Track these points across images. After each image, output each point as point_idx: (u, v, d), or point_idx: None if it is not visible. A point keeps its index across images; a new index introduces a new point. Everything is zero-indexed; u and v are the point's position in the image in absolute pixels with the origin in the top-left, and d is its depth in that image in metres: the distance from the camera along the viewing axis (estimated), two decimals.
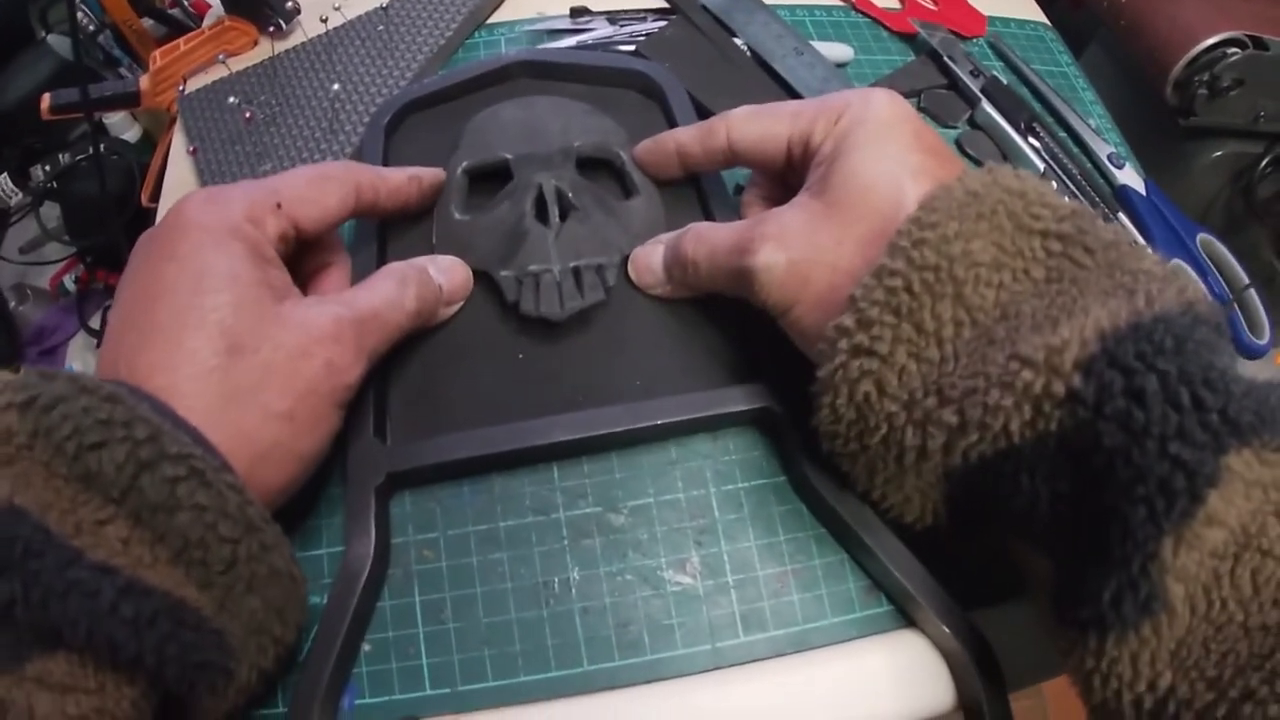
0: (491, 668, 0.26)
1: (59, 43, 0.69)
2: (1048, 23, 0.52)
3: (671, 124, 0.35)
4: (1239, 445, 0.17)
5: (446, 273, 0.29)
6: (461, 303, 0.30)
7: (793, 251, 0.24)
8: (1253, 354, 0.40)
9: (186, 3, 0.60)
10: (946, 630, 0.25)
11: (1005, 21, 0.50)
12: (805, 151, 0.27)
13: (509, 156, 0.32)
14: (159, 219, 0.38)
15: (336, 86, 0.37)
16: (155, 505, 0.19)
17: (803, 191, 0.26)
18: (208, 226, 0.23)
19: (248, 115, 0.37)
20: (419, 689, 0.25)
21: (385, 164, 0.34)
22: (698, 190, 0.33)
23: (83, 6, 0.67)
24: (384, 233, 0.32)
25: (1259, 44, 0.52)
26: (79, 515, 0.18)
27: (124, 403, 0.19)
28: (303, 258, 0.29)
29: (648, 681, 0.26)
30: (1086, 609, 0.18)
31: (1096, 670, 0.18)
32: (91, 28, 0.67)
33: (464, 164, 0.32)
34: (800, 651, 0.27)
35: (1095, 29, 0.64)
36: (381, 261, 0.31)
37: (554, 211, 0.30)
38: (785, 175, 0.29)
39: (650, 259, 0.30)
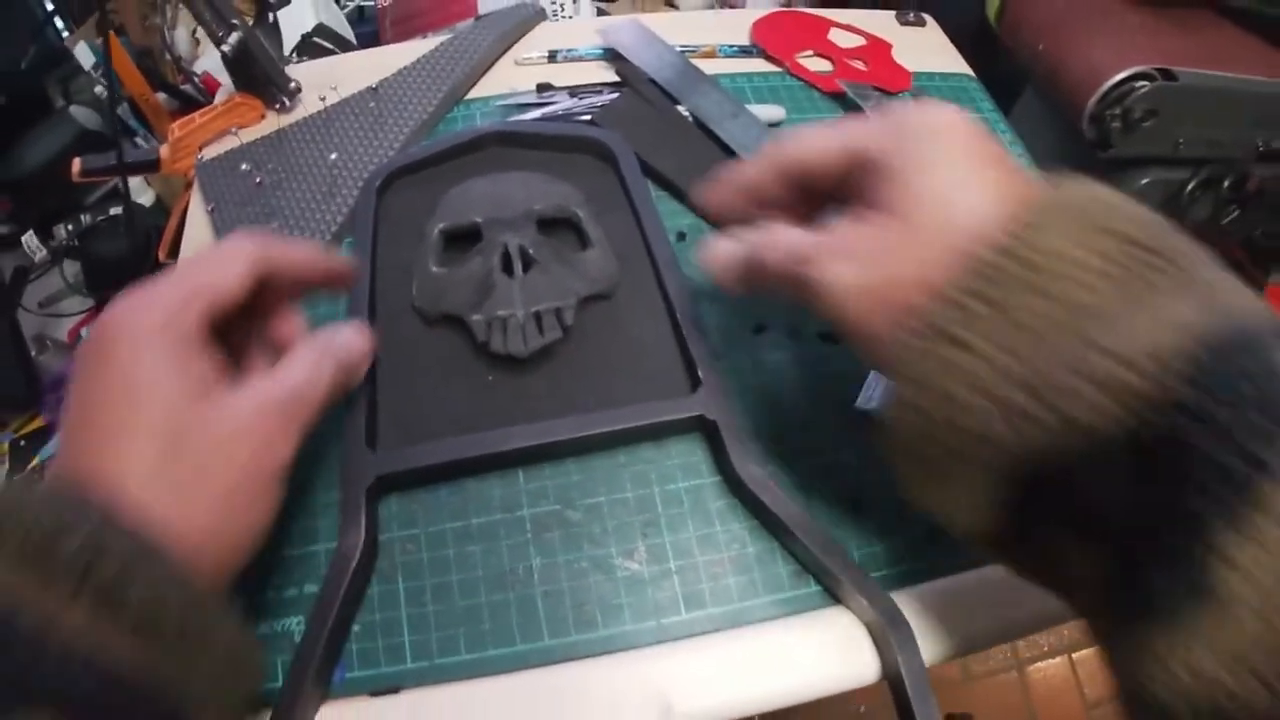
0: (465, 644, 0.30)
1: (80, 113, 0.76)
2: (971, 73, 0.56)
3: (623, 183, 0.41)
4: None
5: (349, 345, 0.30)
6: (366, 366, 0.32)
7: (864, 268, 0.24)
8: None
9: (197, 80, 0.67)
10: (867, 605, 0.29)
11: (931, 75, 0.55)
12: (859, 163, 0.26)
13: (479, 220, 0.37)
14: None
15: (334, 155, 0.42)
16: (111, 582, 0.21)
17: (867, 209, 0.25)
18: (133, 333, 0.25)
19: (258, 180, 0.43)
20: (401, 663, 0.29)
21: (376, 221, 0.40)
22: (643, 238, 0.39)
23: (101, 80, 0.74)
24: (374, 285, 0.37)
25: (1168, 75, 0.55)
26: (44, 603, 0.20)
27: (75, 505, 0.22)
28: (253, 320, 0.31)
29: (601, 654, 0.30)
30: (1142, 600, 0.19)
31: (1152, 661, 0.18)
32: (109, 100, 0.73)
33: (440, 226, 0.38)
34: (736, 627, 0.30)
35: (1030, 76, 0.69)
36: (372, 310, 0.36)
37: (518, 265, 0.36)
38: (834, 189, 0.28)
39: (728, 251, 0.30)
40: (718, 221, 0.32)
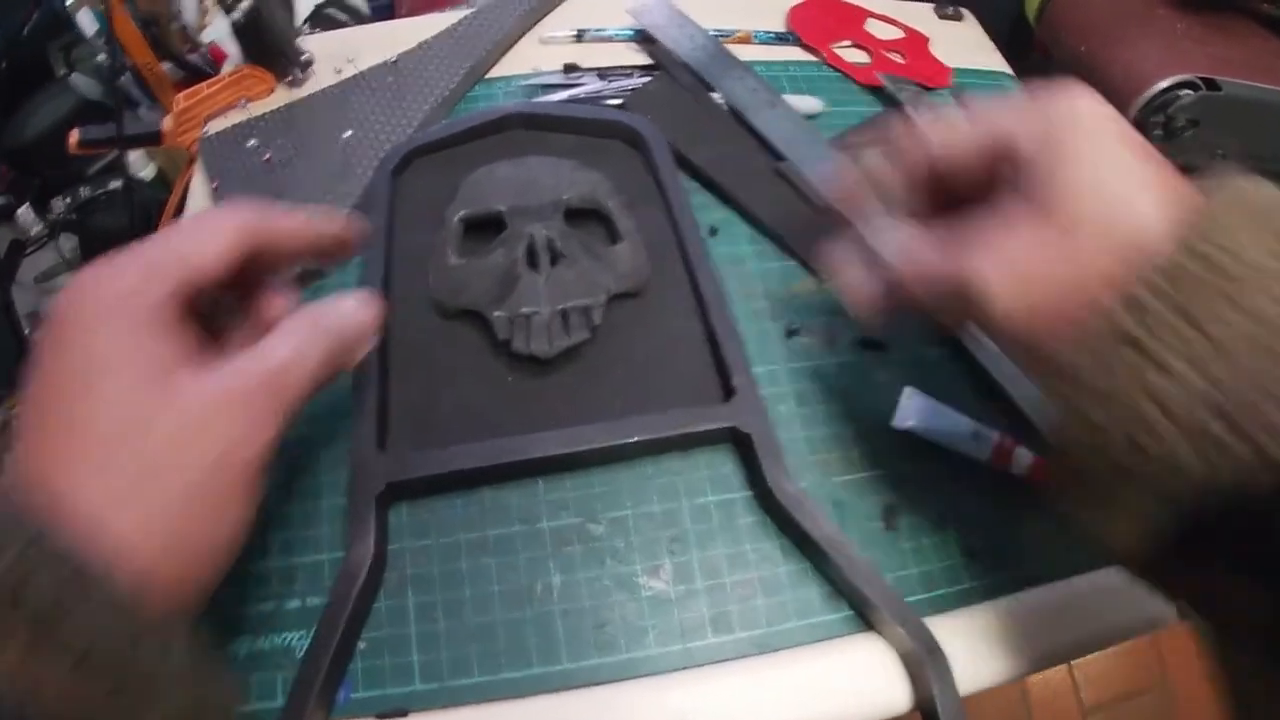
0: (477, 664, 0.28)
1: (81, 81, 0.73)
2: (1010, 72, 0.55)
3: (654, 172, 0.38)
4: None
5: (351, 314, 0.26)
6: (374, 342, 0.28)
7: (1035, 277, 0.22)
8: None
9: (204, 50, 0.64)
10: (903, 633, 0.27)
11: (969, 73, 0.53)
12: (1005, 155, 0.24)
13: (502, 208, 0.35)
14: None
15: (349, 133, 0.40)
16: (44, 613, 0.18)
17: (1020, 207, 0.23)
18: (91, 310, 0.22)
19: (267, 158, 0.40)
20: (409, 684, 0.27)
21: (392, 204, 0.37)
22: (675, 233, 0.36)
23: (104, 48, 0.72)
24: (388, 274, 0.35)
25: (1211, 85, 0.54)
26: None
27: (8, 521, 0.18)
28: (244, 302, 0.27)
29: (622, 679, 0.28)
30: None
31: None
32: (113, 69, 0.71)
33: (460, 213, 0.35)
34: (765, 653, 0.29)
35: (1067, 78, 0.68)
36: (385, 301, 0.34)
37: (544, 258, 0.33)
38: (969, 186, 0.26)
39: (863, 286, 0.27)
40: (837, 223, 0.29)
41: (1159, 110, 0.57)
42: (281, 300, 0.28)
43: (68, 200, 0.67)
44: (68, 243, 0.70)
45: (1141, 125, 0.58)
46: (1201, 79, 0.56)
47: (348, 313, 0.26)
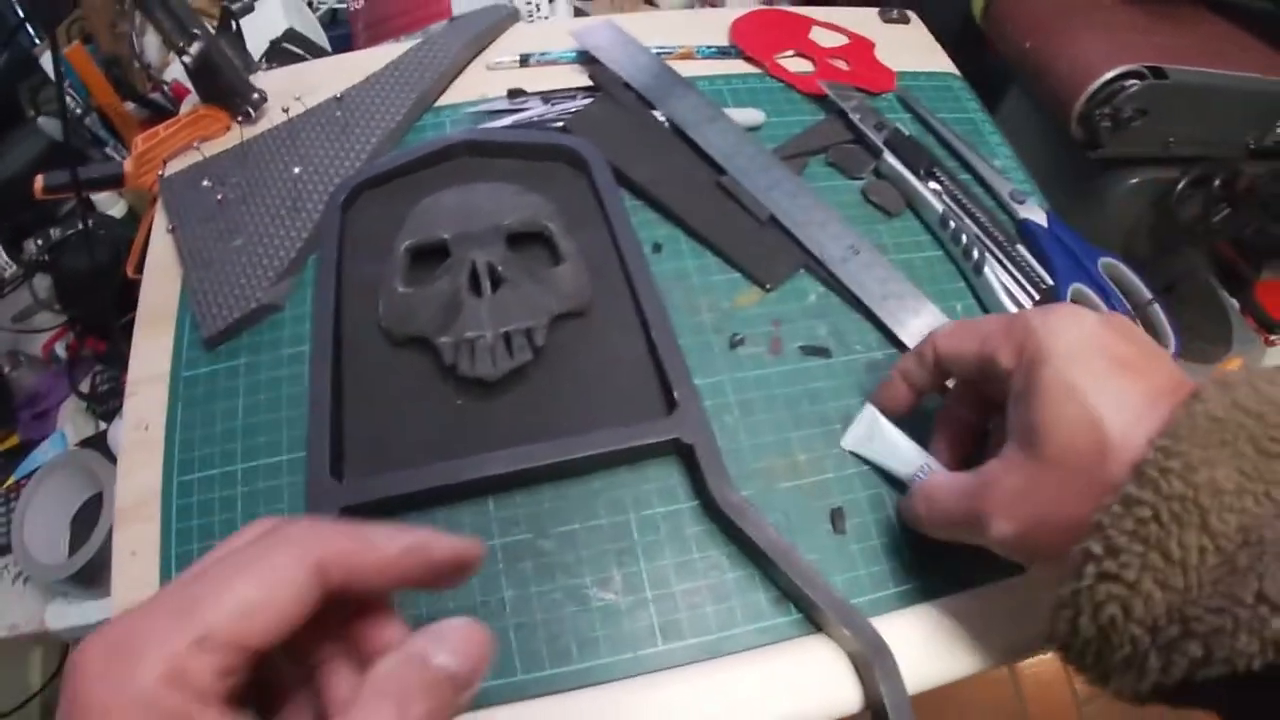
0: None
1: (49, 124, 0.74)
2: (956, 73, 0.56)
3: (595, 191, 0.39)
4: None
5: (458, 652, 0.20)
6: (481, 681, 0.21)
7: (1020, 522, 0.25)
8: None
9: (166, 88, 0.65)
10: (849, 634, 0.28)
11: (915, 75, 0.54)
12: (992, 372, 0.28)
13: (447, 236, 0.36)
14: (142, 295, 0.41)
15: (298, 169, 0.41)
16: None
17: (1011, 442, 0.26)
18: (109, 711, 0.16)
19: (219, 197, 0.41)
20: None
21: (342, 237, 0.38)
22: (617, 251, 0.37)
23: (70, 91, 0.72)
24: (339, 306, 0.36)
25: (1158, 73, 0.54)
26: None
27: None
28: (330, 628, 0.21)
29: (576, 688, 0.29)
30: None
31: None
32: (79, 110, 0.71)
33: (407, 243, 0.36)
34: (715, 658, 0.29)
35: (1016, 75, 0.67)
36: (337, 332, 0.35)
37: (486, 284, 0.34)
38: (980, 386, 0.31)
39: (911, 509, 0.31)
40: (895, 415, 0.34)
41: (1105, 102, 0.57)
42: (390, 629, 0.21)
43: (39, 242, 0.68)
44: (42, 283, 0.71)
45: (1088, 118, 0.58)
46: (1148, 68, 0.56)
47: (455, 647, 0.19)
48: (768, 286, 0.39)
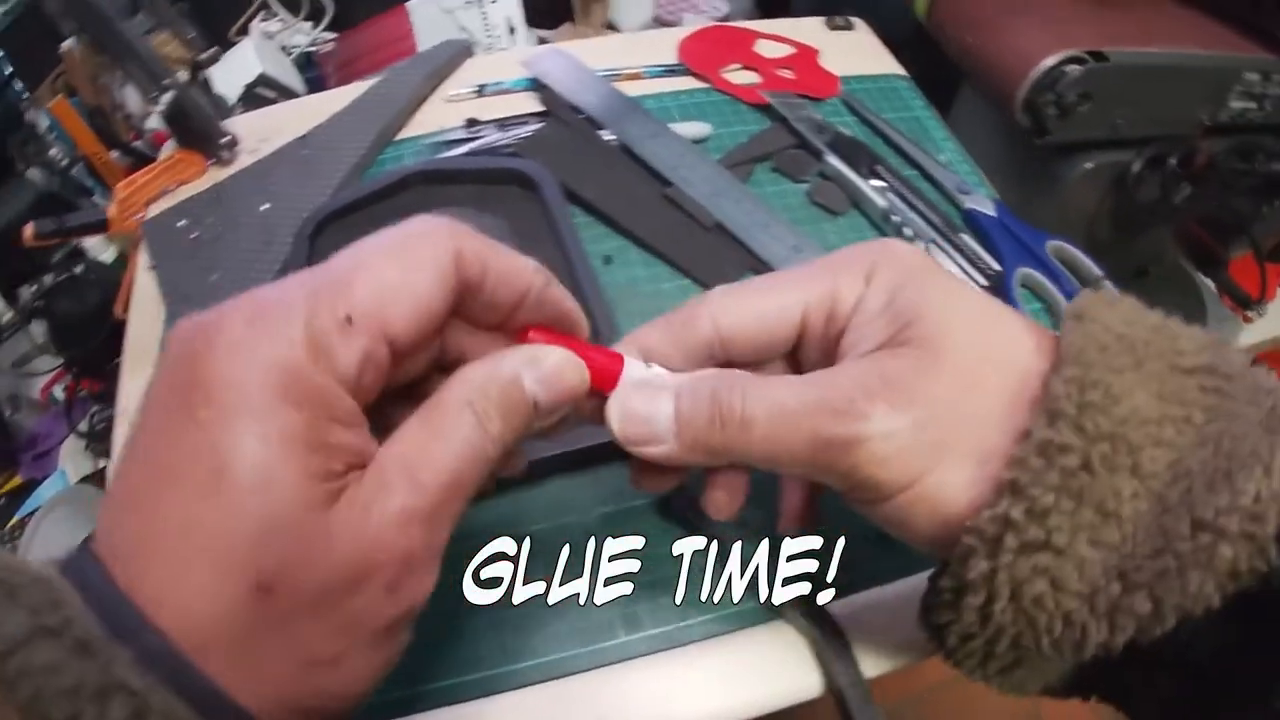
0: (399, 678, 0.29)
1: (37, 175, 0.77)
2: (902, 73, 0.57)
3: (546, 210, 0.42)
4: None
5: (547, 382, 0.19)
6: (564, 411, 0.21)
7: (917, 410, 0.19)
8: None
9: (148, 135, 0.68)
10: (805, 621, 0.29)
11: (862, 79, 0.56)
12: (832, 317, 0.22)
13: None
14: (128, 332, 0.43)
15: (266, 205, 0.43)
16: None
17: (873, 349, 0.20)
18: (244, 380, 0.16)
19: (194, 236, 0.44)
20: None
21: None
22: (567, 265, 0.40)
23: (57, 142, 0.75)
24: None
25: (1098, 57, 0.55)
26: None
27: (97, 657, 0.14)
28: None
29: (539, 682, 0.30)
30: None
31: None
32: (65, 161, 0.74)
33: None
34: (676, 647, 0.30)
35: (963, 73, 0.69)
36: None
37: None
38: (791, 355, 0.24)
39: (649, 408, 0.22)
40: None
41: (1048, 89, 0.58)
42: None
43: (34, 288, 0.70)
44: (38, 328, 0.73)
45: (1033, 105, 0.59)
46: (1088, 53, 0.57)
47: (546, 376, 0.19)
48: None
